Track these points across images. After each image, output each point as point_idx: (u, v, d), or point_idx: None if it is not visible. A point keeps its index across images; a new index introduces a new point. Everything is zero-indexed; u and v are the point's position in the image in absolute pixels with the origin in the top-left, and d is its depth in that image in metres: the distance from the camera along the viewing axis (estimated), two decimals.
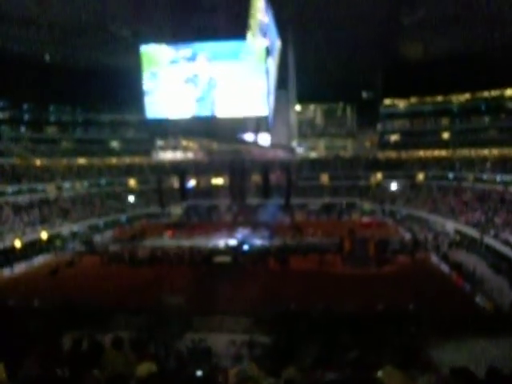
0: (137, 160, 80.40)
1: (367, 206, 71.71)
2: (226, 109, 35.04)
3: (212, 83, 34.66)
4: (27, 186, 61.08)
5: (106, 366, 6.98)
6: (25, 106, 75.52)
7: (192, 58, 34.75)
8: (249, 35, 34.69)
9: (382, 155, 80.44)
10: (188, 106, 35.82)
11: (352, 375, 3.70)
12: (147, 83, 36.15)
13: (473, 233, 46.65)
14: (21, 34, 56.62)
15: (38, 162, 68.93)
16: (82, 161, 75.96)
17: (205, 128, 37.93)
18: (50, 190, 64.68)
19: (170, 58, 35.27)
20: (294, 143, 51.21)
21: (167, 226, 61.90)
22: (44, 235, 52.10)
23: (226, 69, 34.53)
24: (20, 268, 44.08)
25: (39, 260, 47.32)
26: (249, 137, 40.39)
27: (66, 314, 25.36)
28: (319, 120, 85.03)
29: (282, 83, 41.73)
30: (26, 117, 75.98)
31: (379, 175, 77.05)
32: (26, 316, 25.03)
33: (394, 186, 71.52)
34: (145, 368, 6.22)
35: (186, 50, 35.00)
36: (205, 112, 35.49)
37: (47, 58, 67.60)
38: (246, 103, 34.84)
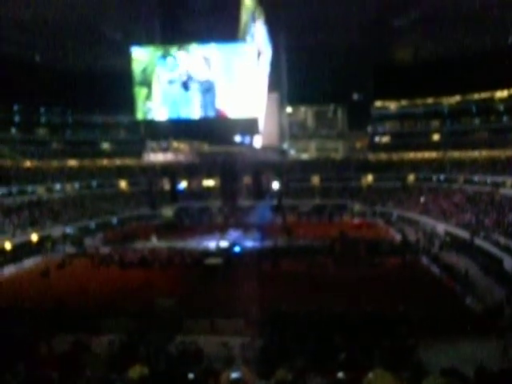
0: (128, 162, 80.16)
1: (358, 207, 71.83)
2: (218, 111, 35.10)
3: (205, 85, 34.70)
4: (17, 188, 60.86)
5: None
6: (15, 108, 75.17)
7: (182, 60, 34.80)
8: (240, 38, 34.78)
9: (372, 157, 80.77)
10: (180, 108, 35.85)
11: (342, 380, 3.72)
12: (138, 85, 36.16)
13: (463, 234, 46.84)
14: (11, 35, 56.40)
15: (28, 164, 68.72)
16: (72, 162, 75.80)
17: (196, 130, 37.92)
18: (41, 191, 64.47)
19: (161, 59, 35.31)
20: (286, 145, 51.35)
21: (157, 228, 61.71)
22: (34, 237, 51.88)
23: (218, 71, 34.60)
24: (10, 270, 43.84)
25: (29, 262, 47.03)
26: (240, 139, 40.45)
27: (56, 317, 25.30)
28: (310, 122, 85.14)
29: (273, 85, 41.85)
30: (17, 118, 75.64)
31: (370, 177, 77.29)
32: (16, 318, 24.97)
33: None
34: (136, 371, 6.23)
35: (176, 52, 35.06)
36: (198, 114, 35.53)
37: (38, 59, 67.32)
38: (237, 105, 34.90)
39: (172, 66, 35.21)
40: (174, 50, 35.08)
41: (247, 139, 40.17)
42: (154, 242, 54.62)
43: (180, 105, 35.85)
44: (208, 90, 34.70)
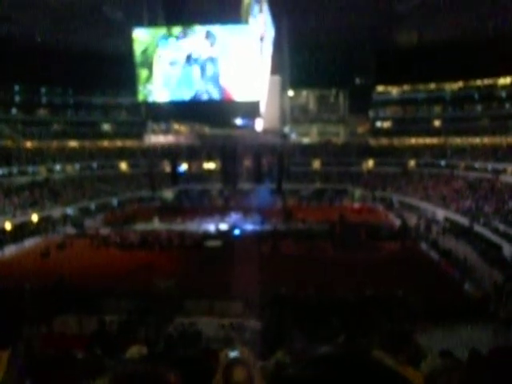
0: (128, 143, 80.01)
1: (358, 192, 71.86)
2: (220, 93, 34.95)
3: (209, 63, 34.47)
4: (18, 169, 60.86)
5: None
6: (16, 88, 75.01)
7: (184, 40, 34.57)
8: (243, 20, 34.53)
9: (373, 142, 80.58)
10: (182, 90, 35.69)
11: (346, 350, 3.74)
12: (139, 66, 35.98)
13: (463, 220, 46.90)
14: (12, 15, 56.03)
15: (28, 144, 68.71)
16: (73, 143, 75.72)
17: (197, 112, 37.75)
18: (41, 172, 64.48)
19: (162, 40, 35.06)
20: (287, 129, 51.13)
21: (157, 210, 61.76)
22: (35, 218, 51.97)
23: (219, 53, 34.40)
24: (10, 250, 44.01)
25: (30, 243, 47.22)
26: (241, 122, 40.32)
27: (56, 297, 25.42)
28: (312, 106, 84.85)
29: (275, 68, 41.62)
30: (17, 99, 75.51)
31: (371, 162, 77.21)
32: (17, 299, 25.11)
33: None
34: (135, 350, 6.25)
35: (179, 32, 34.83)
36: (202, 96, 35.38)
37: (39, 39, 66.94)
38: (239, 88, 34.76)
39: (174, 46, 34.94)
40: (176, 30, 34.78)
41: (248, 122, 40.02)
42: (156, 223, 54.73)
43: (181, 86, 35.64)
44: (211, 67, 34.46)
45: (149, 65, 35.91)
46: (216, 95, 35.05)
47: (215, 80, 34.85)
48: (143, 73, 36.37)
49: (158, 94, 36.61)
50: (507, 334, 20.58)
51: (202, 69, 34.68)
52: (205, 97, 35.15)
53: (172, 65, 35.37)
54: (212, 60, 34.48)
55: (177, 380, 1.64)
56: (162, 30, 35.36)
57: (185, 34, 34.60)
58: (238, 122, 40.33)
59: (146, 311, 23.82)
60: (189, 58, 34.76)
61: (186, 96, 35.63)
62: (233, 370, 3.05)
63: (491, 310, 23.94)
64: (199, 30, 34.45)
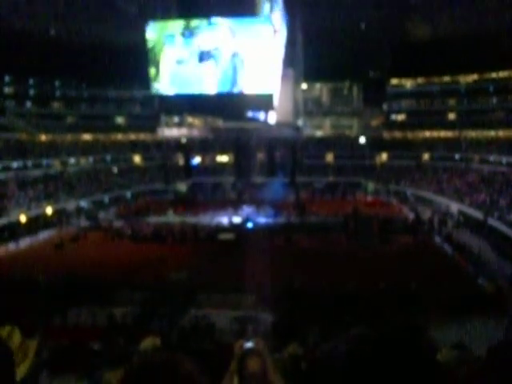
0: (142, 136, 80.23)
1: (372, 185, 71.63)
2: (236, 85, 34.95)
3: (234, 59, 34.36)
4: (32, 162, 61.23)
5: None
6: (30, 81, 75.50)
7: (196, 34, 34.52)
8: (257, 13, 34.48)
9: (387, 135, 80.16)
10: (190, 88, 35.76)
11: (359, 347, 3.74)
12: (153, 59, 36.01)
13: (477, 214, 46.61)
14: (26, 8, 56.27)
15: (43, 138, 69.11)
16: (87, 136, 76.09)
17: (211, 105, 37.77)
18: (56, 165, 64.85)
19: (170, 38, 35.03)
20: (300, 121, 51.04)
21: (171, 203, 61.92)
22: (49, 210, 52.31)
23: (235, 46, 34.34)
24: (25, 243, 44.36)
25: (44, 235, 47.58)
26: (255, 115, 40.33)
27: (70, 289, 25.61)
28: (325, 98, 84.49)
29: (288, 61, 41.53)
30: (32, 92, 76.01)
31: (384, 155, 76.91)
32: (31, 290, 25.36)
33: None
34: (149, 342, 6.29)
35: (186, 31, 34.75)
36: (214, 89, 35.38)
37: (53, 32, 67.18)
38: (253, 81, 34.74)
39: (181, 45, 34.84)
40: (189, 23, 34.74)
41: (262, 115, 40.01)
42: (170, 216, 54.92)
43: (190, 84, 35.68)
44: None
45: (156, 63, 35.97)
46: (233, 89, 35.06)
47: (233, 74, 34.86)
48: (152, 71, 36.48)
49: (172, 87, 36.71)
50: None
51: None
52: (230, 89, 35.13)
53: (179, 63, 35.39)
54: (233, 54, 34.43)
55: (194, 368, 1.66)
56: (175, 24, 35.36)
57: (191, 33, 34.54)
58: (252, 115, 40.35)
59: (159, 303, 23.94)
60: (202, 55, 34.70)
61: (197, 91, 35.73)
62: (247, 361, 3.06)
63: (506, 305, 23.79)
64: (212, 24, 34.43)
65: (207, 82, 35.23)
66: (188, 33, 34.50)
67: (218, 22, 34.04)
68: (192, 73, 35.39)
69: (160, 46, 35.59)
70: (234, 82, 34.83)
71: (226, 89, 35.12)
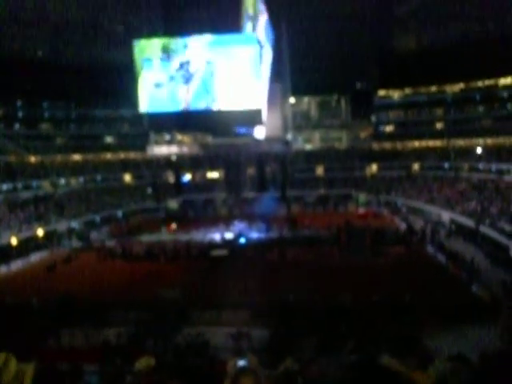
0: (132, 155, 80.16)
1: (363, 196, 71.76)
2: (220, 102, 35.02)
3: (208, 72, 34.48)
4: (22, 183, 61.00)
5: None
6: (18, 103, 75.30)
7: (185, 49, 34.62)
8: (242, 28, 34.63)
9: (376, 146, 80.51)
10: (183, 100, 35.78)
11: (355, 362, 3.72)
12: (140, 77, 36.06)
13: (469, 222, 46.76)
14: (14, 31, 56.38)
15: (32, 159, 68.88)
16: (76, 157, 75.91)
17: (199, 122, 37.81)
18: (46, 186, 64.61)
19: (163, 51, 35.14)
20: (289, 136, 51.17)
21: (165, 221, 61.74)
22: (40, 232, 52.03)
23: (220, 62, 34.47)
24: (17, 265, 44.05)
25: (36, 257, 47.28)
26: (244, 130, 40.41)
27: (63, 311, 25.42)
28: (314, 112, 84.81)
29: (276, 76, 41.74)
30: (20, 114, 75.76)
31: (374, 166, 77.15)
32: (24, 313, 25.14)
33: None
34: (143, 362, 6.24)
35: (179, 43, 34.89)
36: (201, 105, 35.42)
37: (40, 54, 67.26)
38: (240, 96, 34.82)
39: (174, 56, 34.95)
40: (175, 41, 34.88)
41: (250, 130, 40.11)
42: (164, 234, 54.80)
43: (184, 96, 35.71)
44: (213, 75, 34.49)
45: (150, 76, 36.03)
46: (217, 105, 35.14)
47: (211, 91, 34.96)
48: (145, 84, 36.51)
49: (159, 105, 36.74)
50: None
51: (205, 74, 34.66)
52: (207, 106, 35.24)
53: (172, 75, 35.47)
54: (210, 71, 34.55)
55: None
56: (162, 41, 35.48)
57: (184, 44, 34.70)
58: (241, 130, 40.42)
59: (153, 322, 23.80)
60: (181, 71, 34.78)
61: (188, 106, 35.76)
62: (241, 379, 3.04)
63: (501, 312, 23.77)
64: (198, 40, 34.57)
65: (186, 102, 35.35)
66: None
67: (196, 42, 34.27)
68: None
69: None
70: (214, 99, 34.95)
71: (208, 106, 35.23)
